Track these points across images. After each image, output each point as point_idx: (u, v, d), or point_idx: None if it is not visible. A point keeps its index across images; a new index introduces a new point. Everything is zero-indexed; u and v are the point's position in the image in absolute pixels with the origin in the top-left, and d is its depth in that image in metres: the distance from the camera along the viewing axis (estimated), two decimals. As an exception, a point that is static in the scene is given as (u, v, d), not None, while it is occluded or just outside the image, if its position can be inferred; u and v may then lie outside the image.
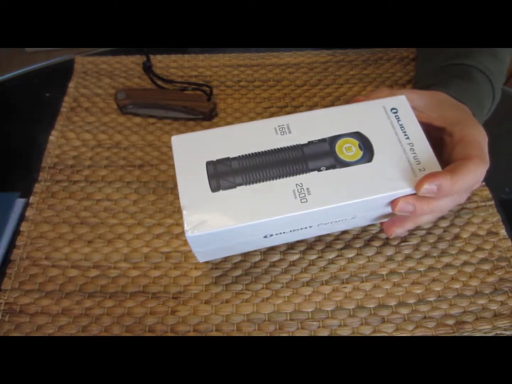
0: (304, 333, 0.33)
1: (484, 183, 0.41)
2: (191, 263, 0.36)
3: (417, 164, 0.29)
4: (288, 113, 0.47)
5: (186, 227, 0.27)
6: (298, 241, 0.37)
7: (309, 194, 0.28)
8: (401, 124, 0.31)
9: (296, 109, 0.47)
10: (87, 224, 0.38)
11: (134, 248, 0.37)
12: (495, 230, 0.38)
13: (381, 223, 0.34)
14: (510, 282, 0.35)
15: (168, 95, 0.46)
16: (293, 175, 0.28)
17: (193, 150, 0.30)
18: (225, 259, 0.36)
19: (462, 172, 0.28)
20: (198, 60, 0.52)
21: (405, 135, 0.30)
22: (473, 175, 0.29)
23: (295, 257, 0.37)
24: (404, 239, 0.37)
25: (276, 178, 0.28)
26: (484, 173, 0.29)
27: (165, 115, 0.46)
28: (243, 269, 0.36)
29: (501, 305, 0.34)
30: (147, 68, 0.50)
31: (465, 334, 0.33)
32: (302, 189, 0.28)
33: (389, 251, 0.37)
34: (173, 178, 0.35)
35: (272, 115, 0.47)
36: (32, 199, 0.40)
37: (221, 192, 0.28)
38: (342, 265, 0.36)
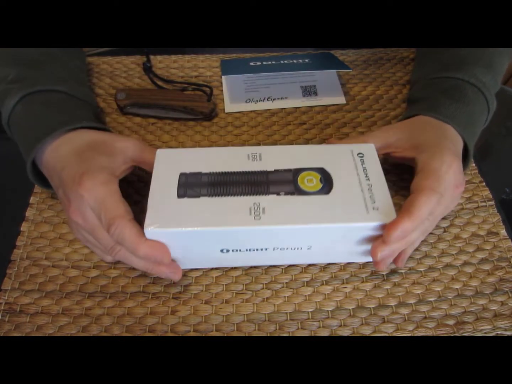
0: (304, 333, 0.33)
1: (484, 183, 0.41)
2: (191, 263, 0.36)
3: (372, 203, 0.30)
4: (289, 113, 0.47)
5: (145, 223, 0.29)
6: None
7: (264, 213, 0.30)
8: (365, 167, 0.33)
9: (296, 109, 0.47)
10: (87, 224, 0.38)
11: (134, 248, 0.37)
12: (495, 230, 0.38)
13: (374, 263, 0.33)
14: (510, 282, 0.35)
15: (168, 95, 0.47)
16: (253, 195, 0.30)
17: (173, 163, 0.32)
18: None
19: (416, 209, 0.30)
20: (199, 60, 0.52)
21: (366, 176, 0.32)
22: (426, 207, 0.30)
23: (295, 257, 0.37)
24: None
25: (237, 195, 0.30)
26: (436, 201, 0.31)
27: (165, 115, 0.46)
28: (243, 269, 0.36)
29: (502, 305, 0.34)
30: (147, 69, 0.50)
31: (466, 334, 0.33)
32: (258, 208, 0.30)
33: (389, 251, 0.37)
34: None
35: (272, 115, 0.47)
36: (32, 199, 0.40)
37: (185, 199, 0.30)
38: (342, 265, 0.36)
